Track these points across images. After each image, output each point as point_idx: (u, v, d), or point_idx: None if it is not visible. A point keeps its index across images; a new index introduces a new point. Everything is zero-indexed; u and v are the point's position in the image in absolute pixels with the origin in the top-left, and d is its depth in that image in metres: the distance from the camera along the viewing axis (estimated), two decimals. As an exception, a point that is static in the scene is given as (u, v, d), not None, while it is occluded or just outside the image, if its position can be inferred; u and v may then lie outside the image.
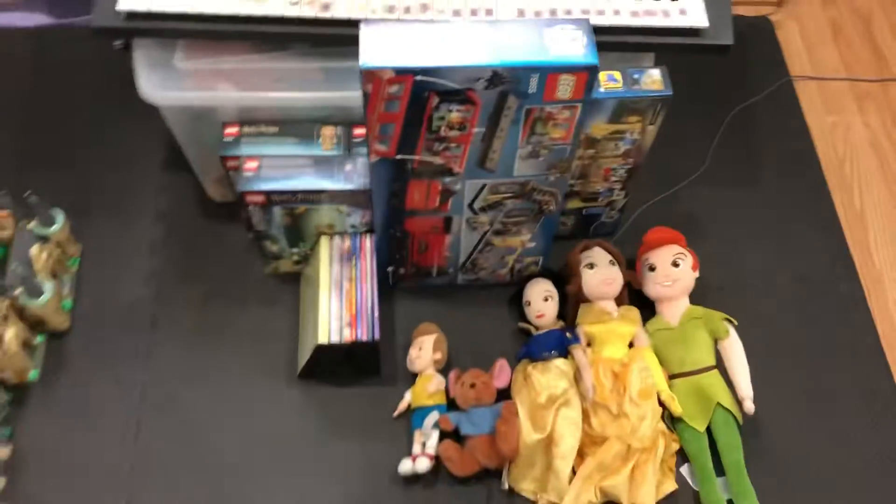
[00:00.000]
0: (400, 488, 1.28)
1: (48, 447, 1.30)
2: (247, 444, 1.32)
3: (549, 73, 1.00)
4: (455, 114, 1.05)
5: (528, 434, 1.26)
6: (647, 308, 1.41)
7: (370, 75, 0.99)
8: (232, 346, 1.40)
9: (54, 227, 1.38)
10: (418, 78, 1.00)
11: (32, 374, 1.35)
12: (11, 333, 1.28)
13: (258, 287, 1.46)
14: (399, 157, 1.12)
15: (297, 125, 1.28)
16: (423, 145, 1.11)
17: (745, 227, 1.56)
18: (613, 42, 1.22)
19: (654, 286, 1.39)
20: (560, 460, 1.25)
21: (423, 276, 1.43)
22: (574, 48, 1.00)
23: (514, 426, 1.25)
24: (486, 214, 1.26)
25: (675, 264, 1.38)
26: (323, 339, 1.26)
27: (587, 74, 1.01)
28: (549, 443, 1.26)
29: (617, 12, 1.22)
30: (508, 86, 1.02)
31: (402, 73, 0.99)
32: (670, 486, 1.28)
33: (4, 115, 1.63)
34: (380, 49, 0.99)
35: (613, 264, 1.39)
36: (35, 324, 1.36)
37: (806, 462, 1.32)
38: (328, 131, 1.28)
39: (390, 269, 1.40)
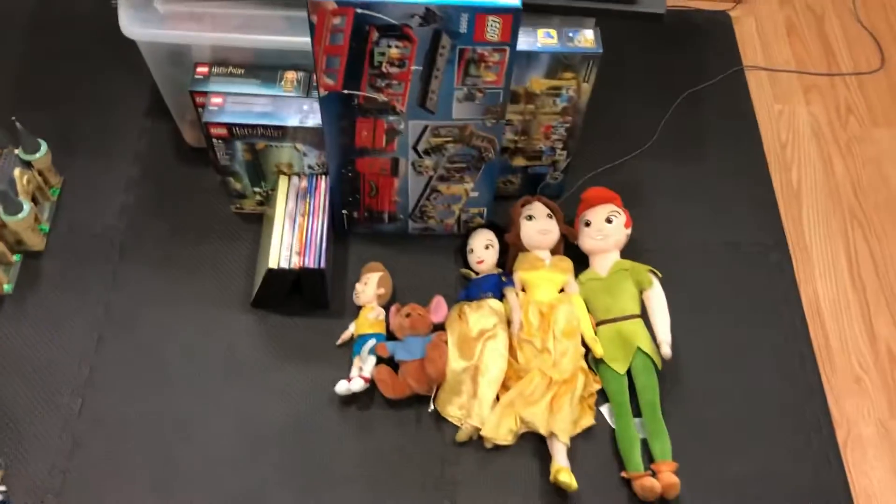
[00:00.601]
0: (337, 408, 1.38)
1: (15, 351, 1.41)
2: (199, 361, 1.42)
3: (478, 12, 1.11)
4: (394, 49, 1.17)
5: (456, 361, 1.35)
6: (584, 264, 1.50)
7: (315, 6, 1.10)
8: (193, 275, 1.51)
9: (37, 155, 1.49)
10: (359, 10, 1.11)
11: (7, 288, 1.46)
12: (-11, 245, 1.39)
13: (223, 224, 1.57)
14: (346, 91, 1.23)
15: (263, 69, 1.40)
16: (367, 80, 1.22)
17: (685, 198, 1.65)
18: (553, 6, 1.33)
19: (587, 240, 1.48)
20: (485, 388, 1.34)
21: (376, 222, 1.53)
22: (501, -8, 1.11)
23: (443, 351, 1.34)
24: (429, 158, 1.37)
25: (609, 220, 1.48)
26: (273, 263, 1.36)
27: (512, 17, 1.12)
28: (475, 372, 1.35)
29: (558, -22, 1.33)
30: (441, 24, 1.13)
31: (343, 4, 1.10)
32: (588, 420, 1.37)
33: (2, 62, 1.76)
34: (326, -16, 1.11)
35: (551, 218, 1.49)
36: (13, 244, 1.48)
37: (718, 409, 1.41)
38: (290, 75, 1.40)
39: (345, 212, 1.51)
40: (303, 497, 1.30)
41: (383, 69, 1.20)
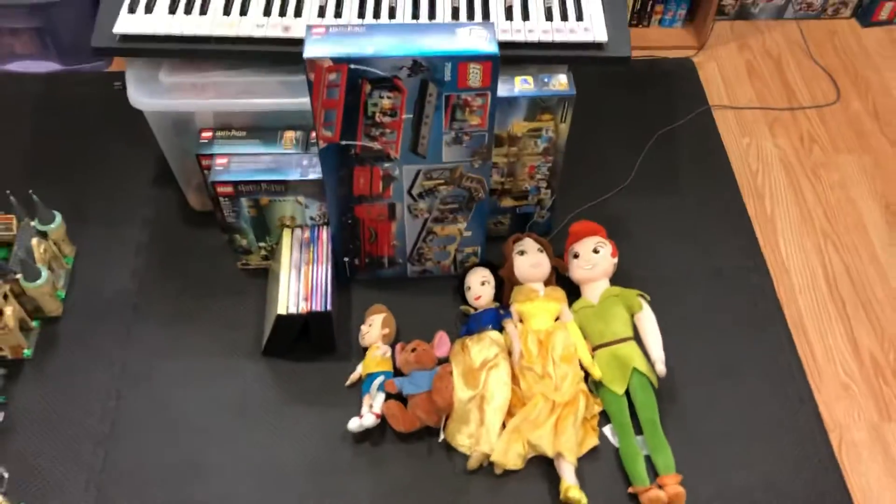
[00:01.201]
0: (350, 446, 1.43)
1: (37, 412, 1.46)
2: (214, 411, 1.47)
3: (460, 61, 1.22)
4: (386, 100, 1.27)
5: (462, 391, 1.42)
6: (576, 294, 1.59)
7: (312, 64, 1.21)
8: (204, 330, 1.58)
9: (52, 225, 1.58)
10: (352, 66, 1.22)
11: (27, 352, 1.52)
12: (10, 311, 1.46)
13: (230, 281, 1.65)
14: (343, 142, 1.33)
15: (263, 131, 1.51)
16: (363, 131, 1.32)
17: (667, 230, 1.75)
18: (528, 56, 1.45)
19: (577, 270, 1.57)
20: (491, 415, 1.40)
21: (376, 267, 1.61)
22: (479, 42, 1.22)
23: (449, 382, 1.41)
24: (423, 201, 1.46)
25: (596, 251, 1.57)
26: (282, 310, 1.44)
27: (491, 63, 1.23)
28: (481, 401, 1.41)
29: (531, 31, 1.45)
30: (427, 74, 1.24)
31: (337, 61, 1.21)
32: (593, 441, 1.43)
33: (16, 141, 1.86)
34: (320, 45, 1.22)
35: (542, 252, 1.57)
36: (31, 311, 1.55)
37: (715, 424, 1.47)
38: (289, 135, 1.50)
39: (346, 259, 1.59)
40: (322, 532, 1.34)
41: (377, 119, 1.30)
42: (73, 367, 1.52)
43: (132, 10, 1.46)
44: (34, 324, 1.56)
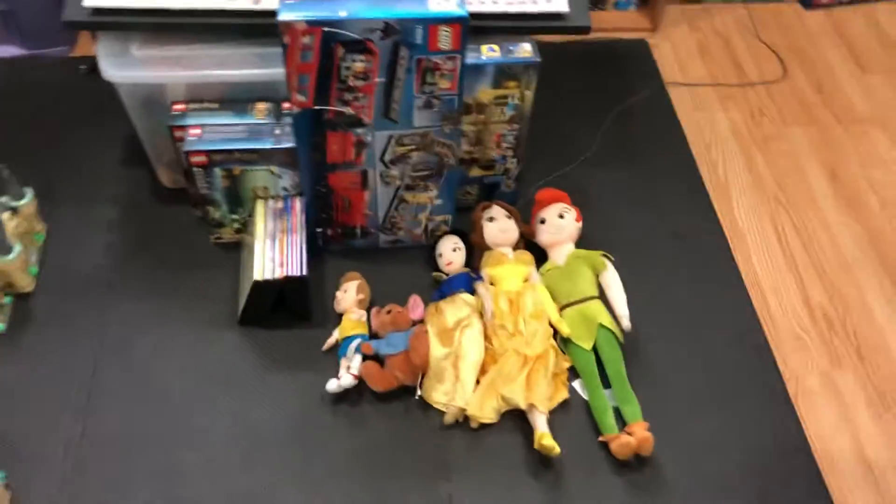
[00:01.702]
0: (329, 407, 1.46)
1: (12, 386, 1.46)
2: (193, 380, 1.49)
3: (430, 24, 1.27)
4: (358, 63, 1.31)
5: (437, 349, 1.46)
6: (542, 259, 1.64)
7: (286, 27, 1.25)
8: (180, 303, 1.59)
9: (23, 201, 1.58)
10: (325, 29, 1.26)
11: (0, 327, 1.52)
12: (-17, 284, 1.46)
13: (203, 255, 1.66)
14: (317, 106, 1.37)
15: (235, 103, 1.53)
16: (336, 95, 1.36)
17: (626, 199, 1.82)
18: (493, 26, 1.50)
19: (544, 235, 1.63)
20: (466, 372, 1.45)
21: (349, 237, 1.65)
22: (449, 6, 1.28)
23: (424, 339, 1.45)
24: (395, 168, 1.51)
25: (561, 216, 1.63)
26: (258, 276, 1.46)
27: (460, 26, 1.28)
28: (456, 359, 1.46)
29: (496, 2, 1.51)
30: (399, 36, 1.28)
31: (312, 24, 1.25)
32: (563, 395, 1.48)
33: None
34: (295, 9, 1.25)
35: (510, 218, 1.63)
36: (4, 286, 1.55)
37: (679, 376, 1.53)
38: (261, 106, 1.53)
39: (319, 230, 1.62)
40: (308, 491, 1.36)
41: (350, 83, 1.34)
42: (48, 341, 1.52)
43: (103, -16, 1.48)
44: (6, 300, 1.55)
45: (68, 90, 1.93)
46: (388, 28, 1.27)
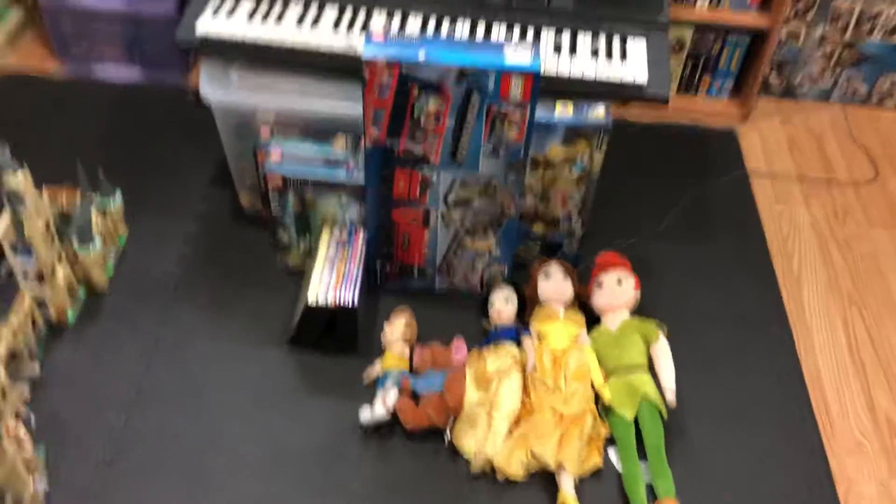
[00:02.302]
0: (359, 437, 1.47)
1: (70, 372, 1.54)
2: (235, 390, 1.53)
3: (503, 73, 1.32)
4: (432, 104, 1.37)
5: (472, 393, 1.46)
6: (596, 324, 1.62)
7: (368, 64, 1.32)
8: (237, 317, 1.65)
9: (113, 203, 1.69)
10: (403, 70, 1.32)
11: (70, 316, 1.61)
12: (61, 271, 1.56)
13: (268, 276, 1.73)
14: (388, 142, 1.43)
15: (318, 133, 1.61)
16: (407, 133, 1.42)
17: (692, 276, 1.79)
18: (572, 90, 1.54)
19: (599, 298, 1.61)
20: (499, 421, 1.43)
21: (406, 276, 1.68)
22: (523, 58, 1.32)
23: (461, 382, 1.45)
24: (457, 211, 1.54)
25: (619, 282, 1.61)
26: (311, 299, 1.51)
27: (532, 77, 1.32)
28: (490, 407, 1.45)
29: (576, 65, 1.55)
30: (472, 83, 1.34)
31: (391, 63, 1.32)
32: (596, 461, 1.44)
33: (91, 137, 2.01)
34: (378, 48, 1.33)
35: (566, 278, 1.62)
36: (80, 281, 1.65)
37: (722, 461, 1.48)
38: (341, 139, 1.61)
39: (378, 262, 1.66)
40: (322, 511, 1.37)
41: (422, 122, 1.40)
42: (110, 336, 1.61)
43: (215, 13, 1.60)
44: (80, 293, 1.65)
45: (175, 115, 2.08)
46: (462, 74, 1.32)
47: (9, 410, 1.36)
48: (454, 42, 1.39)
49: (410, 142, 1.43)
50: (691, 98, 2.25)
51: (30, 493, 1.30)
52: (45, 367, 1.54)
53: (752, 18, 2.05)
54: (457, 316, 1.67)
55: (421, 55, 1.32)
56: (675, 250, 1.84)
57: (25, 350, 1.51)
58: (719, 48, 2.13)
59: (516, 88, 1.34)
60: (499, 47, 1.35)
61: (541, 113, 1.45)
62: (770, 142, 2.16)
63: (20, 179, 1.42)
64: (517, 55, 1.33)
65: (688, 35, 2.11)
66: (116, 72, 2.18)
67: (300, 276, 1.72)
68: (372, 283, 1.69)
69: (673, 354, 1.53)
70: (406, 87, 1.35)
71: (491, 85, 1.34)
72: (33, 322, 1.55)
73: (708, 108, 2.23)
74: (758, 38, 2.09)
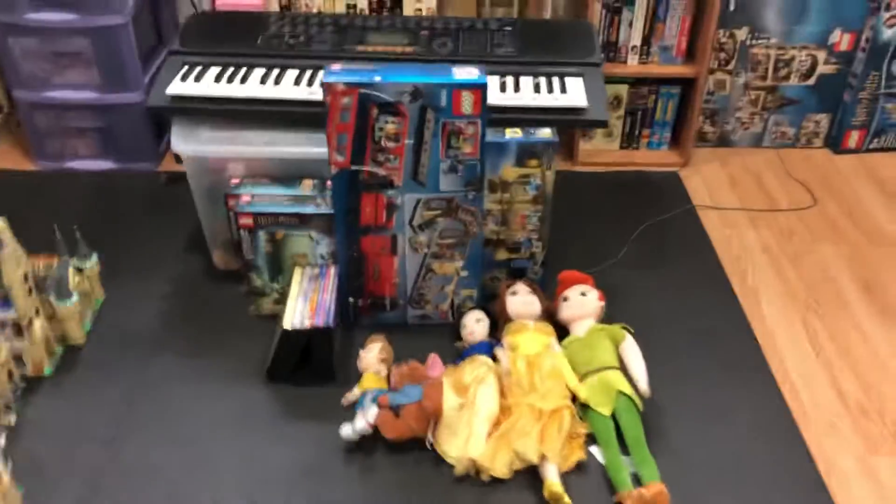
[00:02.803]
0: (342, 454, 1.48)
1: (49, 420, 1.54)
2: (216, 422, 1.54)
3: (454, 89, 1.44)
4: (390, 125, 1.48)
5: (451, 398, 1.48)
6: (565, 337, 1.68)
7: (329, 88, 1.44)
8: (216, 361, 1.68)
9: (89, 262, 1.75)
10: (362, 91, 1.44)
11: (47, 370, 1.63)
12: (38, 324, 1.59)
13: (242, 324, 1.77)
14: (353, 166, 1.53)
15: (285, 178, 1.71)
16: (370, 156, 1.52)
17: (655, 298, 1.86)
18: (520, 118, 1.67)
19: (566, 311, 1.67)
20: (479, 425, 1.45)
21: (378, 310, 1.73)
22: (470, 74, 1.45)
23: (439, 388, 1.48)
24: (423, 234, 1.62)
25: (583, 294, 1.68)
26: (287, 325, 1.55)
27: (480, 91, 1.45)
28: (470, 412, 1.47)
29: (521, 98, 1.69)
30: (426, 100, 1.46)
31: (350, 85, 1.44)
32: (579, 455, 1.46)
33: (68, 217, 2.06)
34: (336, 75, 1.45)
35: (532, 293, 1.69)
36: (57, 337, 1.67)
37: (704, 453, 1.50)
38: (308, 181, 1.70)
39: (351, 300, 1.72)
40: (308, 526, 1.35)
41: (382, 144, 1.50)
42: (90, 384, 1.62)
43: (184, 79, 1.73)
44: (58, 349, 1.67)
45: (149, 195, 2.17)
46: (416, 91, 1.45)
47: (-14, 446, 1.36)
48: (405, 66, 1.52)
49: (374, 164, 1.53)
50: (634, 152, 2.41)
51: (7, 525, 1.28)
52: (22, 416, 1.54)
53: (679, 69, 2.25)
54: (430, 345, 1.70)
55: (377, 77, 1.45)
56: (635, 275, 1.92)
57: (1, 402, 1.52)
58: (654, 100, 2.31)
59: (467, 103, 1.46)
60: (447, 68, 1.48)
61: (492, 136, 1.58)
62: (712, 181, 2.30)
63: (1, 226, 1.48)
64: (465, 72, 1.46)
65: (624, 91, 2.29)
66: (91, 165, 2.28)
67: (274, 320, 1.76)
68: (346, 319, 1.73)
69: (645, 366, 1.56)
70: (366, 108, 1.47)
71: (443, 101, 1.46)
72: (9, 375, 1.56)
73: (650, 160, 2.38)
74: (687, 88, 2.27)
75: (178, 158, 1.73)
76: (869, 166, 2.37)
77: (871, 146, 2.42)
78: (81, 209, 2.12)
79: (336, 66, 1.48)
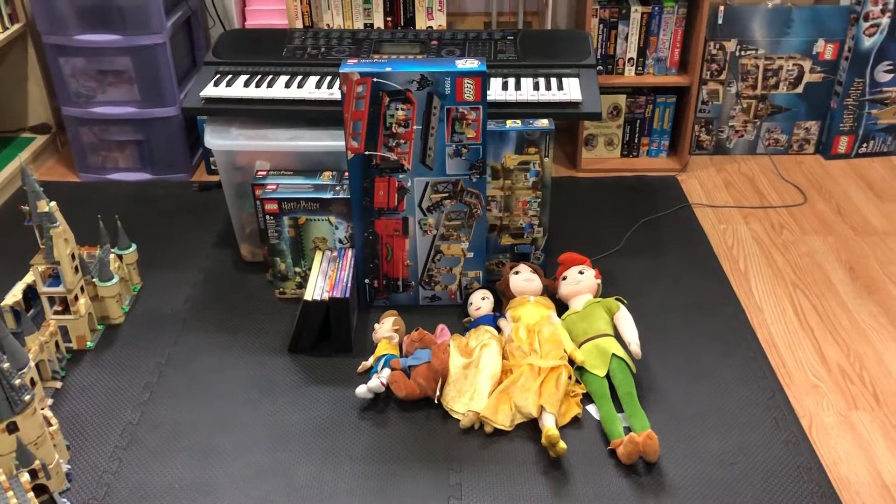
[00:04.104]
0: (356, 412, 1.61)
1: (89, 385, 1.69)
2: (241, 387, 1.68)
3: (457, 76, 1.61)
4: (400, 111, 1.65)
5: (457, 358, 1.61)
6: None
7: (345, 77, 1.61)
8: (241, 336, 1.82)
9: (128, 250, 1.92)
10: (374, 79, 1.61)
11: (89, 344, 1.78)
12: (83, 301, 1.75)
13: (268, 306, 1.92)
14: (367, 152, 1.69)
15: (307, 171, 1.88)
16: (382, 142, 1.68)
17: (652, 281, 1.99)
18: (516, 112, 1.83)
19: (564, 287, 1.81)
20: (483, 382, 1.58)
21: (392, 291, 1.87)
22: (472, 64, 1.62)
23: (446, 349, 1.61)
24: (431, 215, 1.77)
25: (581, 272, 1.81)
26: (308, 296, 1.70)
27: (481, 79, 1.61)
28: (475, 371, 1.60)
29: (521, 94, 1.85)
30: (432, 87, 1.62)
31: (364, 75, 1.61)
32: (576, 411, 1.58)
33: (110, 220, 2.25)
34: (352, 67, 1.63)
35: (534, 273, 1.83)
36: (98, 318, 1.83)
37: (693, 407, 1.61)
38: (327, 173, 1.87)
39: (367, 281, 1.86)
40: (324, 468, 1.48)
41: (393, 129, 1.67)
42: (126, 356, 1.77)
43: (216, 84, 1.92)
44: (99, 326, 1.83)
45: (183, 200, 2.36)
46: (423, 79, 1.62)
47: (39, 396, 1.50)
48: (414, 60, 1.70)
49: (385, 149, 1.69)
50: (634, 159, 2.56)
51: (56, 464, 1.41)
52: (66, 382, 1.69)
53: (673, 79, 2.41)
54: (439, 323, 1.84)
55: (388, 68, 1.62)
56: (633, 263, 2.05)
57: (49, 368, 1.67)
58: (651, 109, 2.46)
59: (469, 90, 1.63)
60: (451, 60, 1.65)
61: (494, 126, 1.74)
62: (708, 184, 2.44)
63: (53, 205, 1.66)
64: (467, 62, 1.63)
65: (622, 101, 2.46)
66: (130, 176, 2.47)
67: (297, 302, 1.91)
68: (362, 301, 1.88)
69: (638, 336, 1.67)
70: (378, 96, 1.63)
71: (447, 88, 1.62)
72: (56, 346, 1.71)
73: (650, 166, 2.53)
74: (682, 96, 2.43)
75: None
76: (858, 169, 2.50)
77: (860, 151, 2.55)
78: (121, 212, 2.29)
79: (352, 61, 1.66)
